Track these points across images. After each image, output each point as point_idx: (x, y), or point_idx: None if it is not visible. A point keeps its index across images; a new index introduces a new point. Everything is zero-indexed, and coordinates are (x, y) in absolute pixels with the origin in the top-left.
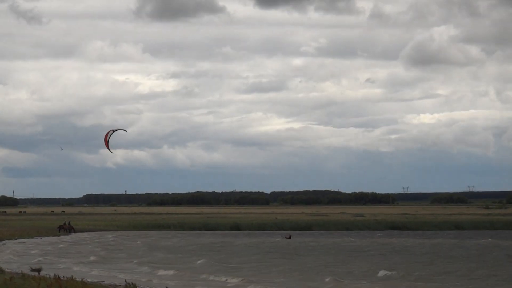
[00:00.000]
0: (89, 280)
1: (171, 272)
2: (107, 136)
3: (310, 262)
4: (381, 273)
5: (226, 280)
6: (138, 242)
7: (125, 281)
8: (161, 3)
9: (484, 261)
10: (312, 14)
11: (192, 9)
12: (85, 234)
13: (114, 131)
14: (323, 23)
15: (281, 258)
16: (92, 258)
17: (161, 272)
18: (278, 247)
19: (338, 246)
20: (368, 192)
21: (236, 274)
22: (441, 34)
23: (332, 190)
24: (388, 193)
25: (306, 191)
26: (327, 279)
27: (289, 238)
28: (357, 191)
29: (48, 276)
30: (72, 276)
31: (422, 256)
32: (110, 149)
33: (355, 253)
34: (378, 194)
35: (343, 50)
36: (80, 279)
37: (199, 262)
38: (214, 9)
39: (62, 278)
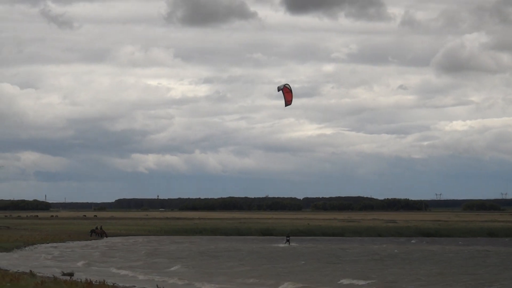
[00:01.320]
0: (120, 284)
1: (144, 277)
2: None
3: (289, 267)
4: (345, 280)
5: (197, 284)
6: (146, 246)
7: (157, 286)
8: (193, 9)
9: (466, 267)
10: (343, 20)
11: (223, 14)
12: (113, 239)
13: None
14: (354, 29)
15: (266, 264)
16: (79, 263)
17: (142, 277)
18: (274, 252)
19: (333, 253)
20: (400, 199)
21: (207, 280)
22: (473, 41)
23: (365, 196)
24: (421, 200)
25: (339, 197)
26: (283, 285)
27: (288, 237)
28: (389, 197)
29: (79, 280)
30: (104, 281)
31: (410, 262)
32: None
33: (343, 260)
34: (411, 200)
35: (374, 56)
36: (112, 284)
37: (174, 268)
38: (245, 15)
39: (94, 283)
